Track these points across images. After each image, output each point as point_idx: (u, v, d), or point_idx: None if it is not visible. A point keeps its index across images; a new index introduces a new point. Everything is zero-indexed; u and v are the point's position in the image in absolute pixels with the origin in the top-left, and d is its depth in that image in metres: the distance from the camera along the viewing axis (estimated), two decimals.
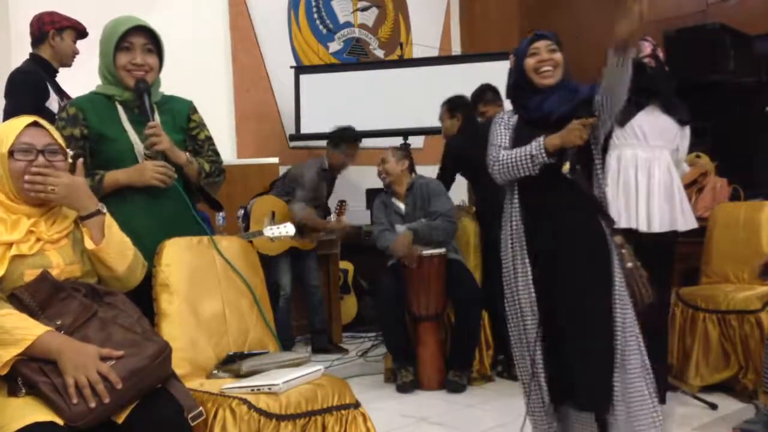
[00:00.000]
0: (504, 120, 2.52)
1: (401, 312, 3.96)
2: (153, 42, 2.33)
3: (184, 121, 2.47)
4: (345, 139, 4.74)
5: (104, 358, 1.67)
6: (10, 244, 1.78)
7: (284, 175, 4.81)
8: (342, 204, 5.09)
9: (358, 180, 5.69)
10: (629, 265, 2.38)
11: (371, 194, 5.67)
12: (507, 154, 2.39)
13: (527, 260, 2.40)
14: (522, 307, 2.41)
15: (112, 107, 2.33)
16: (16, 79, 3.45)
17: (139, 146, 2.31)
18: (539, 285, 2.38)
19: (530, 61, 2.42)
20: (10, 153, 1.82)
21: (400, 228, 4.00)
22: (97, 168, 2.31)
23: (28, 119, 1.88)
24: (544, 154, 2.30)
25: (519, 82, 2.47)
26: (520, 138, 2.41)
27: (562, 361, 2.35)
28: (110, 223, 1.94)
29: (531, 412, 2.43)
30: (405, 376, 3.87)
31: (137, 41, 2.30)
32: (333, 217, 5.11)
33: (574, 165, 2.28)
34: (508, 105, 2.67)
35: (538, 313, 2.37)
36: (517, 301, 2.43)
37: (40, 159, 1.85)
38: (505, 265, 2.49)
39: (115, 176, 2.27)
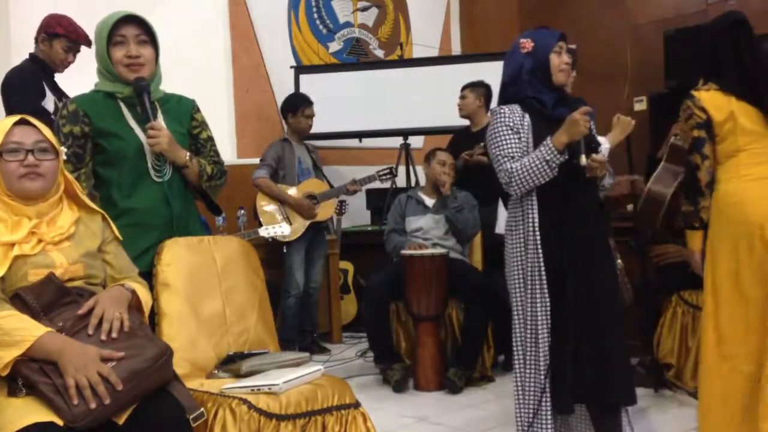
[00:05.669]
0: (507, 118, 2.43)
1: (387, 308, 3.97)
2: (146, 33, 2.30)
3: (187, 119, 2.46)
4: (299, 104, 4.78)
5: (105, 360, 1.66)
6: (12, 244, 1.77)
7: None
8: (342, 204, 5.09)
9: None
10: (619, 264, 2.46)
11: (371, 194, 5.67)
12: (520, 167, 2.35)
13: (542, 264, 2.37)
14: (537, 312, 2.38)
15: (114, 105, 2.31)
16: (12, 79, 3.44)
17: (146, 143, 2.29)
18: (556, 288, 2.37)
19: (556, 60, 2.41)
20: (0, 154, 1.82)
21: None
22: (100, 165, 2.30)
23: (14, 118, 1.86)
24: (557, 155, 2.30)
25: (536, 71, 2.43)
26: (543, 139, 2.36)
27: (583, 363, 2.34)
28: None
29: (536, 417, 2.39)
30: (393, 375, 3.84)
31: (129, 33, 2.27)
32: (334, 218, 5.12)
33: (588, 155, 2.30)
34: None
35: (550, 318, 2.36)
36: (529, 305, 2.40)
37: (30, 158, 1.82)
38: (514, 270, 2.45)
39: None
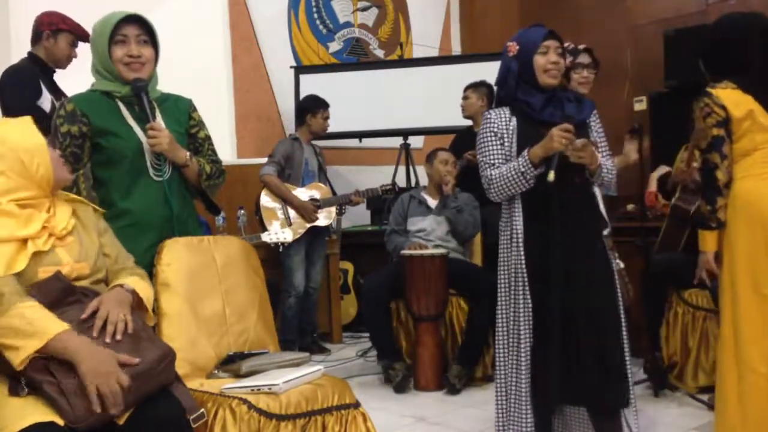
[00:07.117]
0: (493, 123, 2.44)
1: (386, 306, 3.96)
2: (147, 33, 2.31)
3: (185, 119, 2.46)
4: (319, 105, 4.81)
5: (121, 365, 1.66)
6: (25, 240, 1.77)
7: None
8: (342, 204, 5.09)
9: (358, 180, 5.68)
10: (619, 265, 2.45)
11: None
12: (498, 174, 2.37)
13: (524, 266, 2.37)
14: (519, 314, 2.38)
15: (112, 104, 2.31)
16: (8, 77, 3.44)
17: (146, 142, 2.29)
18: (542, 292, 2.36)
19: (541, 60, 2.37)
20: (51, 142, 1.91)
21: None
22: (99, 165, 2.30)
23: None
24: (531, 168, 2.31)
25: (522, 74, 2.41)
26: (527, 142, 2.36)
27: (573, 365, 2.33)
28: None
29: (512, 418, 2.39)
30: (395, 374, 3.84)
31: (131, 32, 2.27)
32: (334, 220, 5.11)
33: (558, 172, 2.27)
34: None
35: (533, 320, 2.36)
36: (512, 307, 2.41)
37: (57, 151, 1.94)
38: (499, 271, 2.47)
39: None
